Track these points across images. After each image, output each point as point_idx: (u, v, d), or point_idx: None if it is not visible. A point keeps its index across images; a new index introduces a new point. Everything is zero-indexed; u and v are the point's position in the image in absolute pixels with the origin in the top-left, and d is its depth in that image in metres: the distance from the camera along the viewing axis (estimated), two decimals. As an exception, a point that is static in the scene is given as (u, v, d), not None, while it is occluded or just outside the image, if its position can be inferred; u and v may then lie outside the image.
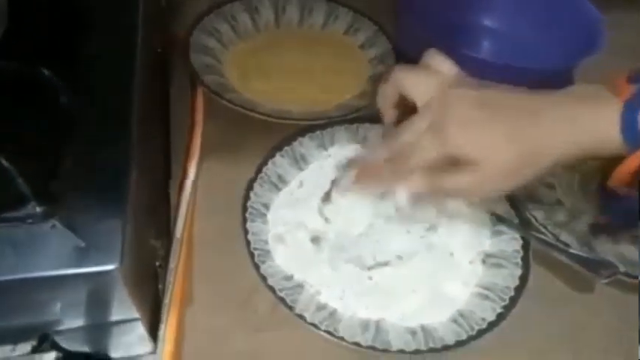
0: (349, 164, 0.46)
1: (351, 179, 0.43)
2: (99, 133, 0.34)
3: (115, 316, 0.35)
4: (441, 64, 0.39)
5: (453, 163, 0.37)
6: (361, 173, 0.42)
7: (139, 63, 0.38)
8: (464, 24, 0.59)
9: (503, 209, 0.47)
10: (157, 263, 0.44)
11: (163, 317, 0.39)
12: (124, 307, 0.34)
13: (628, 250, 0.46)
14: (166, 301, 0.40)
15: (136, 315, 0.35)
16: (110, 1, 0.42)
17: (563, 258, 0.42)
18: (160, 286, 0.41)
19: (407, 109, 0.40)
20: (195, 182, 0.47)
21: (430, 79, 0.39)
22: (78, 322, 0.35)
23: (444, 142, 0.36)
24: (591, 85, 0.36)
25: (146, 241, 0.38)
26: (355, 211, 0.43)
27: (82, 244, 0.30)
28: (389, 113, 0.43)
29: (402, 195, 0.39)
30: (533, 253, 0.44)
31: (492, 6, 0.59)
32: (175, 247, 0.42)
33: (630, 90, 0.34)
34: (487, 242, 0.45)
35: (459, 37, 0.51)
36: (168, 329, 0.38)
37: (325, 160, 0.49)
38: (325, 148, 0.50)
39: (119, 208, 0.31)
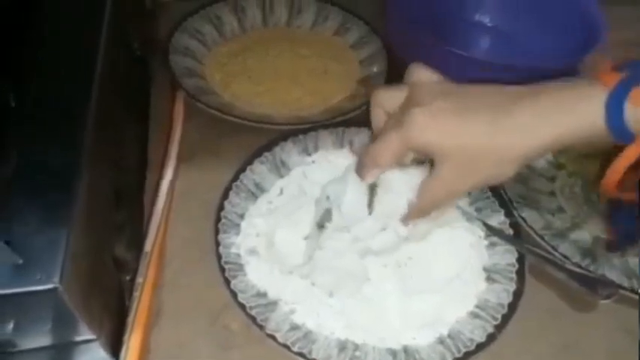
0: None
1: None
2: (47, 136, 0.32)
3: (66, 338, 0.32)
4: (423, 76, 0.39)
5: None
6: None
7: (100, 66, 0.36)
8: (456, 21, 0.55)
9: (497, 219, 0.43)
10: (127, 277, 0.41)
11: (126, 337, 0.36)
12: (74, 328, 0.31)
13: (635, 263, 0.43)
14: (130, 319, 0.37)
15: (91, 336, 0.32)
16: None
17: (558, 274, 0.38)
18: (128, 303, 0.39)
19: None
20: (170, 191, 0.45)
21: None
22: (31, 343, 0.32)
23: (412, 133, 0.36)
24: (573, 77, 0.35)
25: (104, 255, 0.35)
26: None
27: (20, 261, 0.27)
28: None
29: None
30: (530, 265, 0.41)
31: (484, 2, 0.56)
32: (143, 261, 0.40)
33: (615, 77, 0.32)
34: (483, 255, 0.42)
35: (452, 36, 0.48)
36: (130, 351, 0.36)
37: (308, 166, 0.46)
38: (308, 154, 0.47)
39: (63, 220, 0.29)
